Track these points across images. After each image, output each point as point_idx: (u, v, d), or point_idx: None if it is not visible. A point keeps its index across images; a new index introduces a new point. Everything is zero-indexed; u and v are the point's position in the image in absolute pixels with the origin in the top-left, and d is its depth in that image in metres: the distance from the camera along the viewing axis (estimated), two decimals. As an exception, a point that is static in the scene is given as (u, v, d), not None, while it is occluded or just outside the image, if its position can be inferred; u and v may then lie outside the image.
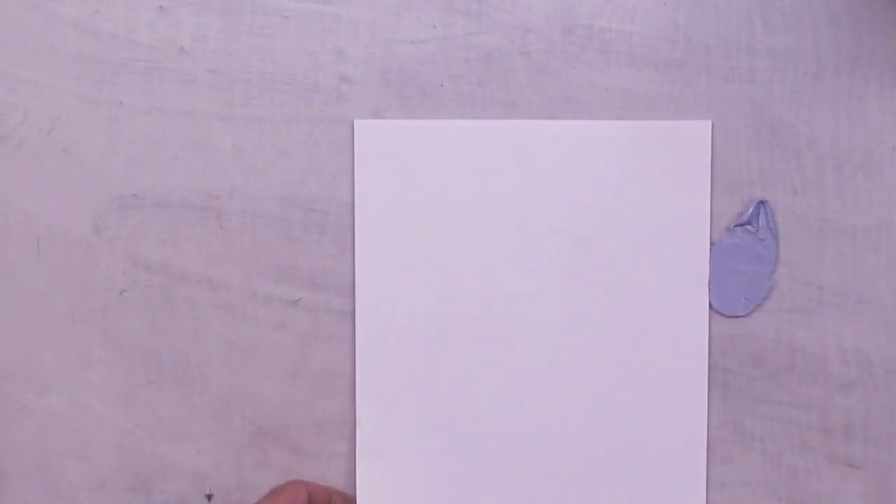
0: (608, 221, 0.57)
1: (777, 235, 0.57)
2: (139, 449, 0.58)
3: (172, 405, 0.58)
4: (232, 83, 0.57)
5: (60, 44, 0.56)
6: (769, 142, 0.57)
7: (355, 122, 0.56)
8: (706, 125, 0.56)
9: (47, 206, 0.57)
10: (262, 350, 0.58)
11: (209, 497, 0.58)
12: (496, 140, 0.56)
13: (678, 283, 0.57)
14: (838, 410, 0.58)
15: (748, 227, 0.57)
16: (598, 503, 0.57)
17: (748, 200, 0.57)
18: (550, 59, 0.57)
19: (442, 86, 0.57)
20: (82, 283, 0.57)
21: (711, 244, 0.57)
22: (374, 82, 0.57)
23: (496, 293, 0.57)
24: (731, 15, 0.56)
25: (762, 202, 0.57)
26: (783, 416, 0.57)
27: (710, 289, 0.57)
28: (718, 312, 0.57)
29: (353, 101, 0.57)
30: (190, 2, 0.56)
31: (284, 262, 0.57)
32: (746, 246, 0.57)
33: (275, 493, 0.56)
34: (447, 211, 0.57)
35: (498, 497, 0.57)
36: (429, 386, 0.57)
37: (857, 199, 0.57)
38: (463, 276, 0.57)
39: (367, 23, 0.57)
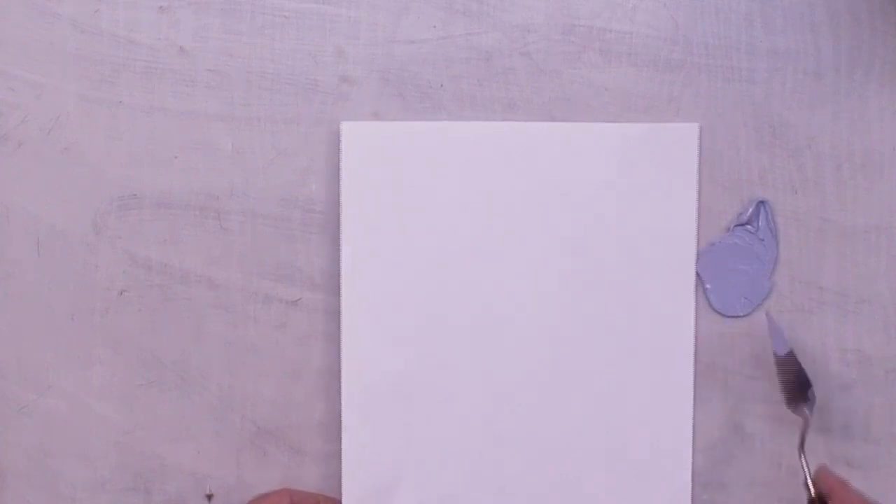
0: (598, 222, 0.56)
1: (777, 235, 0.57)
2: (139, 449, 0.58)
3: (172, 405, 0.58)
4: (232, 83, 0.57)
5: (60, 44, 0.57)
6: (769, 142, 0.57)
7: (342, 123, 0.56)
8: (694, 128, 0.56)
9: (47, 206, 0.57)
10: (262, 350, 0.58)
11: (209, 497, 0.58)
12: (488, 142, 0.56)
13: (666, 284, 0.57)
14: (838, 410, 0.58)
15: (748, 227, 0.57)
16: (587, 503, 0.57)
17: (748, 200, 0.57)
18: (550, 59, 0.57)
19: (442, 86, 0.57)
20: (82, 283, 0.57)
21: (711, 244, 0.57)
22: (374, 82, 0.57)
23: (488, 295, 0.57)
24: (731, 15, 0.56)
25: (762, 202, 0.57)
26: (783, 416, 0.57)
27: (709, 288, 0.57)
28: (718, 312, 0.57)
29: (353, 101, 0.57)
30: (190, 2, 0.56)
31: (284, 262, 0.57)
32: (746, 246, 0.57)
33: (257, 500, 0.56)
34: (439, 212, 0.56)
35: (486, 497, 0.57)
36: (416, 389, 0.57)
37: (857, 199, 0.57)
38: (456, 277, 0.56)
39: (367, 23, 0.57)
